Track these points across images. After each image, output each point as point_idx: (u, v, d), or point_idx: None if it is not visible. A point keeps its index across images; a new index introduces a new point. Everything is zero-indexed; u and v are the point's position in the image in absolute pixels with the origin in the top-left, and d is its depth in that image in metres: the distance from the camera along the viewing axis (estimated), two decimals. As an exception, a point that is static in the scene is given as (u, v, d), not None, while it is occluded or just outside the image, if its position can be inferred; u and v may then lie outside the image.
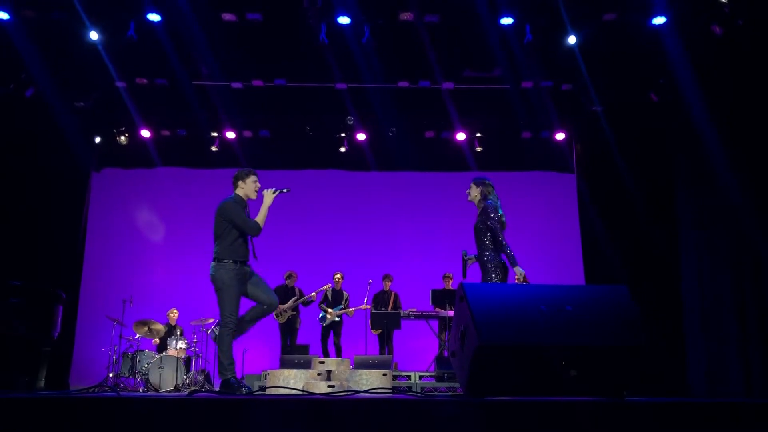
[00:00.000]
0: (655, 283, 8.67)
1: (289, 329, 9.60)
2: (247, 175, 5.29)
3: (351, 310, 9.65)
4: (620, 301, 3.71)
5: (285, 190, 5.29)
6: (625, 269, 8.95)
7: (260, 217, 5.15)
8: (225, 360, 4.93)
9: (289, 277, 9.77)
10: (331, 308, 9.62)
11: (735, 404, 2.92)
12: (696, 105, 7.68)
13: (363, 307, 9.47)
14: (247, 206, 5.27)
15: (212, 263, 5.07)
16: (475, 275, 5.75)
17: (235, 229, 5.06)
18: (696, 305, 8.01)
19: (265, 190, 5.23)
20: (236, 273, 5.02)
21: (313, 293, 9.62)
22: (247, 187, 5.28)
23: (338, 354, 9.52)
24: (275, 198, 5.25)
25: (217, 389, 4.93)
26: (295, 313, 9.62)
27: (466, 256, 5.68)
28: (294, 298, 9.54)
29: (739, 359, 7.26)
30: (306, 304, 9.71)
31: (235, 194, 5.25)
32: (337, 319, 9.65)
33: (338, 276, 9.81)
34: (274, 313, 9.44)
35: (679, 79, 7.85)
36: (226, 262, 5.02)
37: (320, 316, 9.73)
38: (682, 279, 8.34)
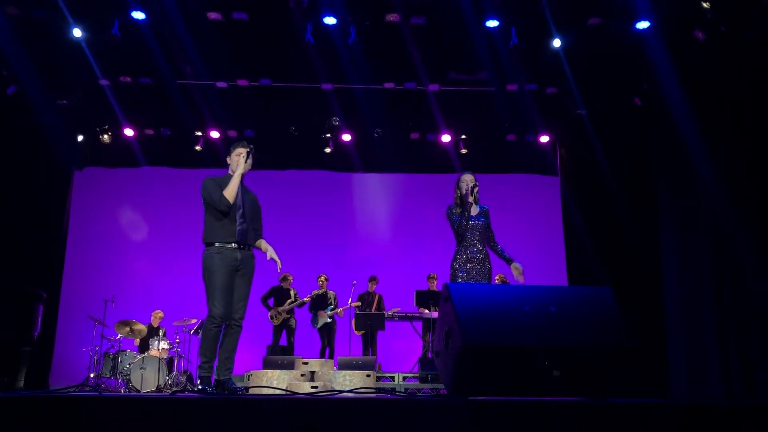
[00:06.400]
0: (637, 285, 8.75)
1: (287, 329, 9.57)
2: (235, 147, 4.76)
3: (340, 310, 9.65)
4: (603, 302, 3.73)
5: (248, 147, 4.75)
6: (608, 271, 9.03)
7: (228, 189, 4.59)
8: (203, 356, 4.56)
9: (284, 279, 9.68)
10: (320, 310, 9.62)
11: (715, 406, 2.95)
12: (679, 110, 7.76)
13: (351, 305, 9.48)
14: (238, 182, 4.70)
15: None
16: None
17: (213, 207, 4.61)
18: (677, 307, 8.09)
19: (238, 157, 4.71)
20: (222, 257, 4.54)
21: (306, 297, 9.60)
22: (231, 162, 4.76)
23: (331, 356, 9.51)
24: (247, 163, 4.67)
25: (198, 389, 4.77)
26: (289, 316, 9.59)
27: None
28: (289, 301, 9.52)
29: (719, 360, 7.33)
30: (300, 305, 9.69)
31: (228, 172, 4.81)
32: (329, 320, 9.64)
33: (323, 278, 9.79)
34: (269, 315, 9.44)
35: (663, 84, 7.93)
36: (210, 245, 4.59)
37: (311, 319, 9.71)
38: (663, 281, 8.43)
